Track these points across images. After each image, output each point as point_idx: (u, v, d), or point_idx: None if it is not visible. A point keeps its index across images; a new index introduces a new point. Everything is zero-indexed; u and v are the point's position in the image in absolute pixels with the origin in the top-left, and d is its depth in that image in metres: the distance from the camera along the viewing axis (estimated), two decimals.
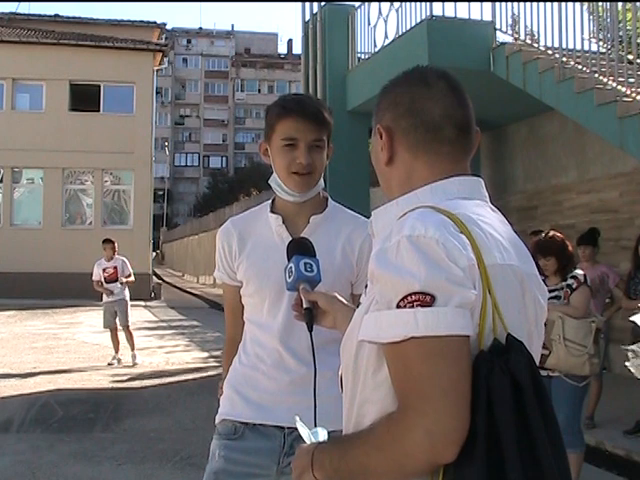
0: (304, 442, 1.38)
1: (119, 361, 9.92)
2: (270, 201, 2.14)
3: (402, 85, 1.32)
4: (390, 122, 1.29)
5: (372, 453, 1.10)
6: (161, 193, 54.48)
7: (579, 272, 4.73)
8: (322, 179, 2.10)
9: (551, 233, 4.81)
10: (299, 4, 10.68)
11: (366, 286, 1.24)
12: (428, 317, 1.04)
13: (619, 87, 6.23)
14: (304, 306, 1.61)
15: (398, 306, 1.07)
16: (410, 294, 1.06)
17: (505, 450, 1.01)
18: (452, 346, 1.04)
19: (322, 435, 1.37)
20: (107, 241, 10.11)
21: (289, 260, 1.68)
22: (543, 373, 4.28)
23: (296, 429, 1.97)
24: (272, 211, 2.11)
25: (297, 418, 1.47)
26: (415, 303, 1.06)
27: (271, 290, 2.04)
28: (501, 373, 1.04)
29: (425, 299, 1.05)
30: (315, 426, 1.41)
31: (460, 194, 1.24)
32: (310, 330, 1.60)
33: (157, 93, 37.69)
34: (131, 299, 10.15)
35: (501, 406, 1.03)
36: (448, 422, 1.02)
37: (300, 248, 1.70)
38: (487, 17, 8.06)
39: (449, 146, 1.26)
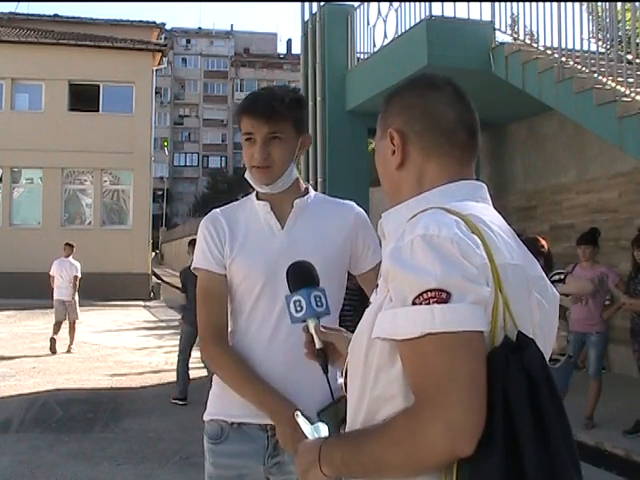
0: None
1: None
2: (254, 193, 2.18)
3: (411, 89, 1.34)
4: (402, 125, 1.30)
5: (389, 447, 1.09)
6: (160, 193, 54.41)
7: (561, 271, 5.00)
8: (294, 169, 2.11)
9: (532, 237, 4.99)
10: (298, 4, 10.70)
11: (376, 285, 1.25)
12: (445, 313, 1.06)
13: (618, 87, 6.23)
14: (317, 346, 1.52)
15: (414, 303, 1.08)
16: (426, 291, 1.07)
17: (522, 443, 1.03)
18: (468, 342, 1.06)
19: (324, 430, 1.36)
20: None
21: (292, 290, 1.55)
22: None
23: None
24: (258, 199, 2.14)
25: (298, 413, 1.46)
26: (431, 300, 1.07)
27: (260, 279, 2.02)
28: (516, 369, 1.06)
29: (441, 296, 1.06)
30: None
31: (468, 197, 1.26)
32: (325, 372, 1.52)
33: (156, 93, 37.62)
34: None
35: (518, 401, 1.04)
36: (468, 415, 1.03)
37: (304, 276, 1.57)
38: (486, 17, 8.06)
39: (460, 150, 1.29)
